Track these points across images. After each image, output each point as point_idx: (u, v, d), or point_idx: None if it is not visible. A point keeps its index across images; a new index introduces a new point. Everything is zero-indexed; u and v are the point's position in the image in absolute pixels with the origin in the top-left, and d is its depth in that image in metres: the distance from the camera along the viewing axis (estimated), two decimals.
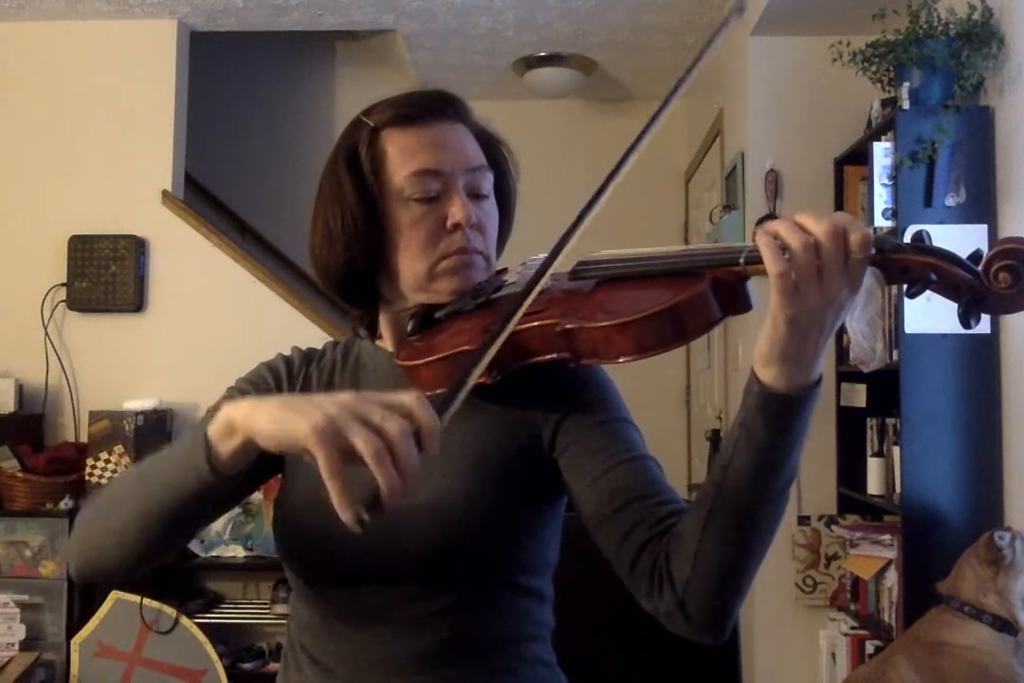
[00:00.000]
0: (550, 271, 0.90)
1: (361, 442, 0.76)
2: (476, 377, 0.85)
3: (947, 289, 0.80)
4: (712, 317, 0.88)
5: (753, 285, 0.89)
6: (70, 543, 0.99)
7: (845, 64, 2.69)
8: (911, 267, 0.80)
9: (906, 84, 2.54)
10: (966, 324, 0.80)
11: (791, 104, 3.26)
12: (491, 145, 1.12)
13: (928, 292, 0.81)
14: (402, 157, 1.05)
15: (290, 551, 1.06)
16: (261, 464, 0.98)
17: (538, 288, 0.90)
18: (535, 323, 0.93)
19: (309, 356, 1.17)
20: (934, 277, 0.79)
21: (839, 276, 0.78)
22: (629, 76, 4.51)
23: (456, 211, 1.04)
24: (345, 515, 0.76)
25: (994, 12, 2.48)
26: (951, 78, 2.53)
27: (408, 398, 0.79)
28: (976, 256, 0.80)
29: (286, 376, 1.14)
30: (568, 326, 0.91)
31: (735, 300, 0.88)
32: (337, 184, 1.07)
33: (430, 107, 1.07)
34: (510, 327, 0.88)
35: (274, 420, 0.81)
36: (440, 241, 1.05)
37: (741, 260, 0.85)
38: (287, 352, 1.19)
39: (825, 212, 0.79)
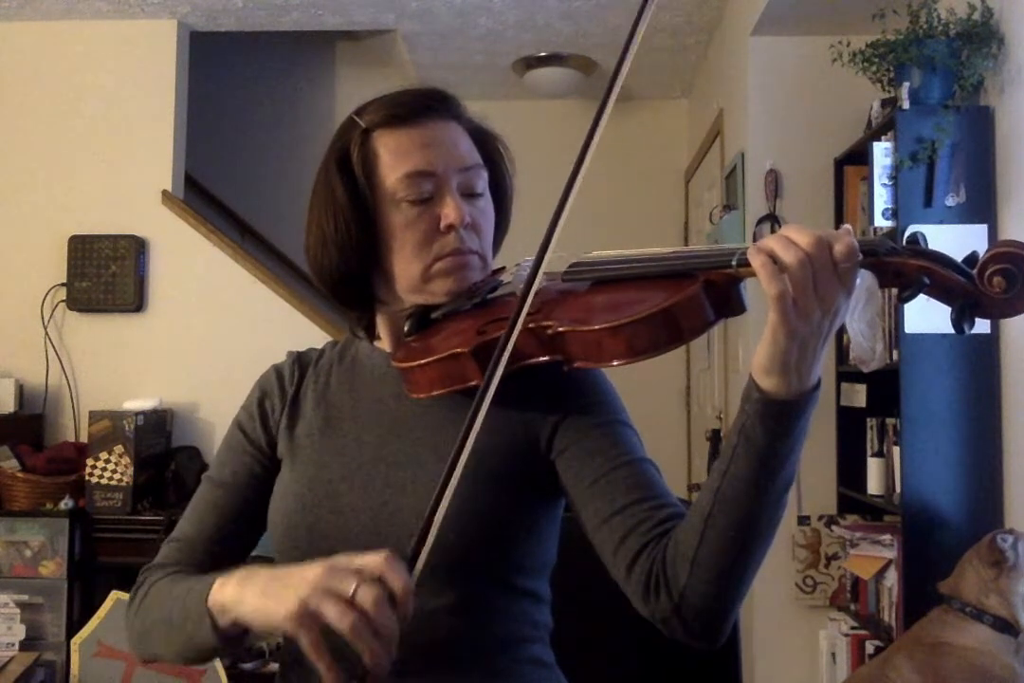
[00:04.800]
0: (533, 290, 0.90)
1: (336, 619, 0.79)
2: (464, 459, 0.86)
3: (940, 293, 0.79)
4: (706, 319, 0.87)
5: (747, 287, 0.88)
6: (128, 634, 1.06)
7: (845, 64, 2.68)
8: (904, 270, 0.79)
9: (906, 84, 2.54)
10: (959, 329, 0.79)
11: (791, 104, 3.26)
12: (486, 141, 1.11)
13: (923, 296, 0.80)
14: (393, 159, 1.04)
15: (285, 551, 1.06)
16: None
17: (525, 309, 0.90)
18: (528, 325, 0.91)
19: (304, 360, 1.17)
20: (927, 280, 0.78)
21: (833, 284, 0.78)
22: (629, 76, 4.46)
23: (449, 212, 1.03)
24: None
25: (994, 12, 2.48)
26: (951, 78, 2.53)
27: (377, 561, 0.82)
28: (972, 259, 0.79)
29: (278, 391, 1.14)
30: (560, 329, 0.90)
31: (728, 302, 0.88)
32: (329, 187, 1.06)
33: (421, 106, 1.06)
34: (503, 363, 0.88)
35: (255, 609, 0.86)
36: (434, 243, 1.04)
37: (733, 262, 0.84)
38: (284, 356, 1.18)
39: (823, 214, 0.79)
